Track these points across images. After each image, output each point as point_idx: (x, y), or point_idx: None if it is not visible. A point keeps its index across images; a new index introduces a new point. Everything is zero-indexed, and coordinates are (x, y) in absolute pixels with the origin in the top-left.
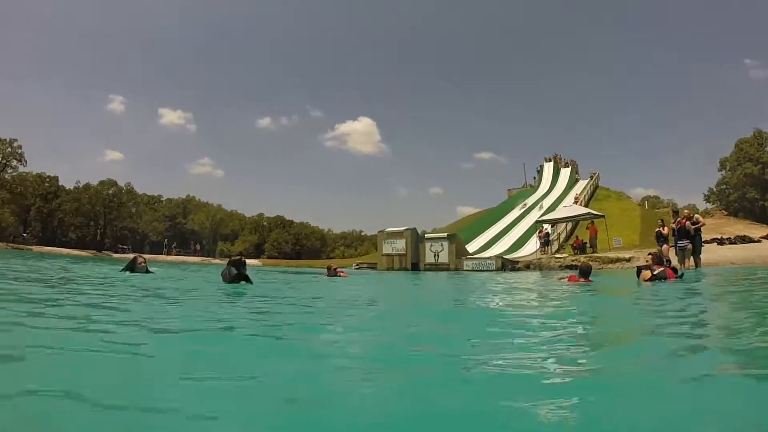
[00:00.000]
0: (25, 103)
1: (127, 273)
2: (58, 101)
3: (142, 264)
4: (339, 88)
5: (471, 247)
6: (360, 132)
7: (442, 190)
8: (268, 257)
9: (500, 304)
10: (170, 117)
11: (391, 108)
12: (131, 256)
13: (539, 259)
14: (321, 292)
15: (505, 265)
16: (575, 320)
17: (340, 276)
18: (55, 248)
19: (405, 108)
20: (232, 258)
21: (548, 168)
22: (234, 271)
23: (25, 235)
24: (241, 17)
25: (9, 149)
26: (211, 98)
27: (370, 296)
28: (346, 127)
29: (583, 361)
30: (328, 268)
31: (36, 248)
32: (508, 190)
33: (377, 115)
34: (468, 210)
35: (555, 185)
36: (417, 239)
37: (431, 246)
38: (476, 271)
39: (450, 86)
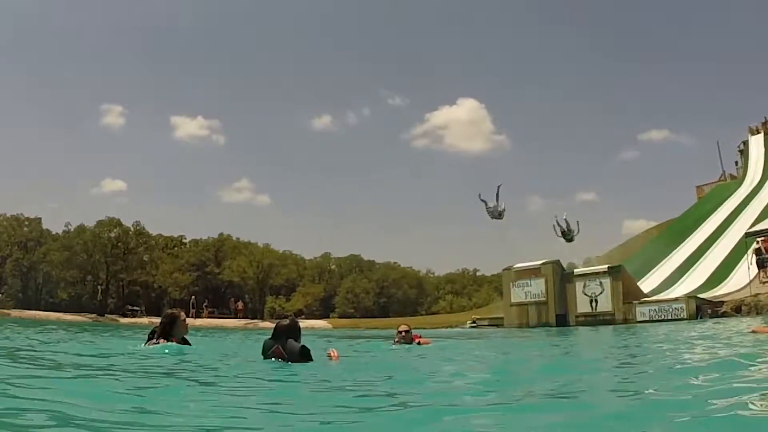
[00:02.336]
0: None
1: (144, 346)
2: (32, 120)
3: (186, 322)
4: (427, 59)
5: (646, 284)
6: (462, 121)
7: (595, 195)
8: (341, 316)
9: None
10: (188, 127)
11: (507, 82)
12: (145, 320)
13: (756, 296)
14: (386, 377)
15: (702, 309)
16: None
17: (419, 344)
18: (41, 312)
19: (528, 80)
20: (276, 325)
21: (757, 144)
22: (269, 344)
23: None
24: None
25: None
26: (242, 96)
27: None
28: (442, 115)
29: None
30: (398, 332)
31: (14, 312)
32: (698, 187)
33: (486, 93)
34: (638, 225)
35: None
36: (563, 277)
37: (585, 286)
38: (657, 321)
39: (597, 39)
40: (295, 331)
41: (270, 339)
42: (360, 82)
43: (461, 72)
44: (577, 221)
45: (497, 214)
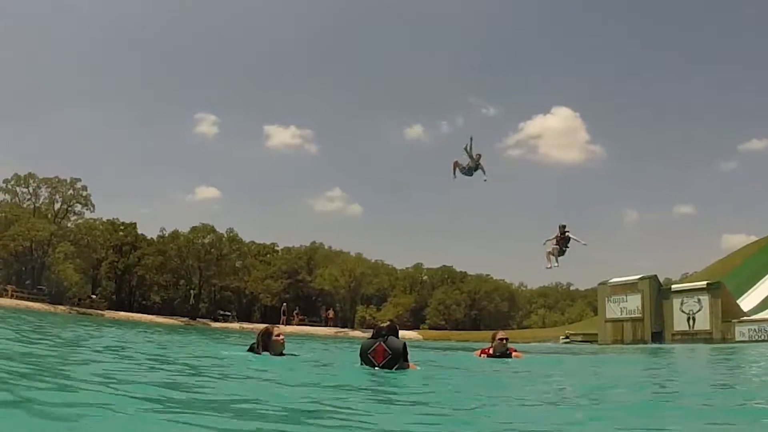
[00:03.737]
0: (87, 135)
1: (252, 356)
2: (128, 129)
3: (280, 339)
4: (520, 68)
5: (747, 302)
6: (556, 131)
7: (694, 208)
8: (431, 327)
9: None
10: (281, 136)
11: (600, 91)
12: (236, 325)
13: None
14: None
15: None
16: None
17: (512, 356)
18: (134, 314)
19: (624, 89)
20: (377, 327)
21: None
22: (369, 343)
23: (93, 296)
24: None
25: (71, 191)
26: (335, 105)
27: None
28: (535, 125)
29: None
30: (497, 339)
31: (108, 313)
32: None
33: (580, 102)
34: (738, 239)
35: None
36: (659, 293)
37: (682, 303)
38: (756, 341)
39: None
40: (395, 332)
41: (369, 339)
42: (453, 91)
43: (555, 79)
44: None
45: (467, 171)
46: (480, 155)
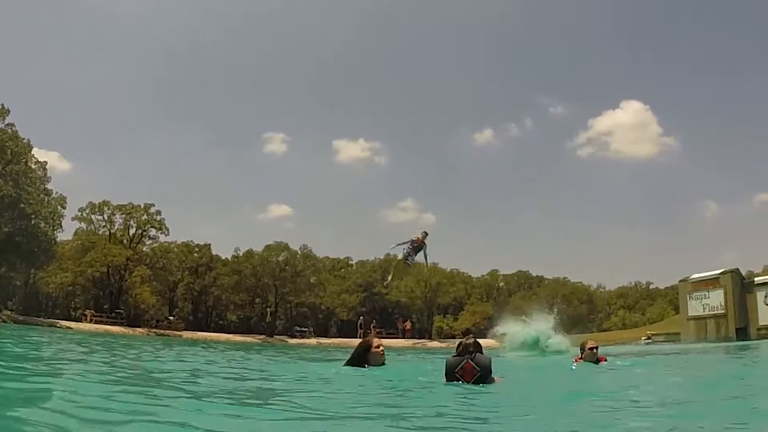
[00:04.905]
0: (158, 160)
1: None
2: (198, 152)
3: (380, 351)
4: (585, 64)
5: None
6: (627, 126)
7: None
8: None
9: None
10: (350, 150)
11: (672, 81)
12: (313, 341)
13: None
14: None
15: None
16: None
17: (600, 361)
18: (211, 333)
19: (694, 79)
20: (461, 345)
21: None
22: (455, 362)
23: (171, 318)
24: None
25: (145, 216)
26: (401, 115)
27: None
28: (606, 121)
29: None
30: (586, 349)
31: (186, 334)
32: None
33: (651, 95)
34: None
35: None
36: (743, 287)
37: (767, 296)
38: None
39: None
40: (480, 347)
41: (455, 356)
42: (520, 92)
43: (622, 73)
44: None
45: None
46: (426, 233)
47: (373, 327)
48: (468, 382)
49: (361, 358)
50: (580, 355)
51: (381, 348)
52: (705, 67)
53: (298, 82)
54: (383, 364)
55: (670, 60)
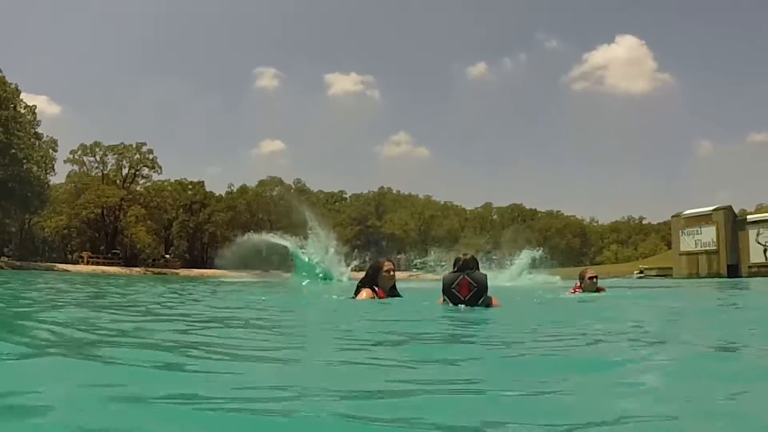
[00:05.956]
0: (148, 100)
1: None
2: (190, 91)
3: (391, 275)
4: None
5: None
6: (622, 60)
7: None
8: (502, 267)
9: None
10: (342, 84)
11: (668, 15)
12: None
13: None
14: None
15: None
16: None
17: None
18: (207, 270)
19: (690, 14)
20: (459, 260)
21: None
22: (452, 277)
23: (167, 256)
24: None
25: (137, 155)
26: (394, 48)
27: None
28: (600, 55)
29: None
30: (586, 278)
31: (183, 272)
32: None
33: (646, 29)
34: None
35: None
36: (735, 224)
37: (759, 234)
38: None
39: None
40: (477, 264)
41: (453, 272)
42: (514, 26)
43: (618, 7)
44: None
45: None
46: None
47: (369, 259)
48: (465, 297)
49: (371, 279)
50: (579, 284)
51: (392, 272)
52: (703, 4)
53: (288, 16)
54: (394, 287)
55: None
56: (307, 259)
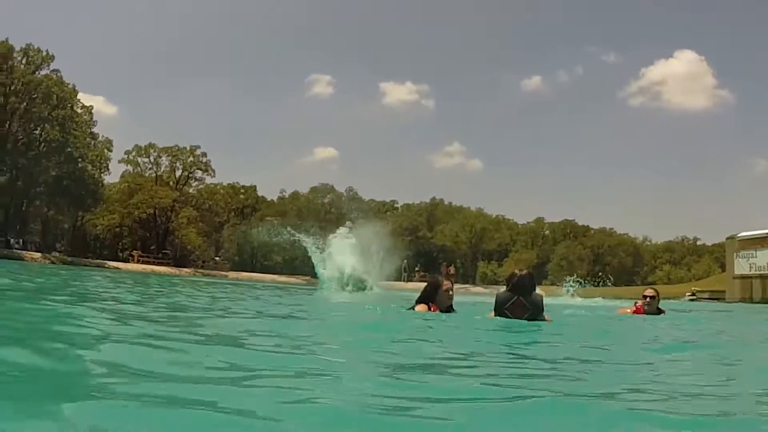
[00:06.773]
0: (203, 104)
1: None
2: (244, 96)
3: (449, 294)
4: (639, 10)
5: None
6: (680, 76)
7: None
8: (553, 284)
9: None
10: (397, 93)
11: (729, 32)
12: None
13: None
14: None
15: None
16: None
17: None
18: (256, 273)
19: (753, 29)
20: (514, 276)
21: None
22: (506, 297)
23: (217, 258)
24: None
25: (191, 158)
26: (450, 59)
27: None
28: (658, 71)
29: None
30: (644, 297)
31: (231, 274)
32: None
33: (706, 45)
34: None
35: None
36: None
37: None
38: None
39: None
40: (534, 283)
41: (506, 292)
42: (571, 39)
43: (677, 21)
44: None
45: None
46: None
47: (417, 271)
48: (519, 318)
49: (429, 297)
50: (639, 304)
51: (450, 291)
52: (765, 20)
53: (345, 24)
54: (451, 306)
55: (728, 9)
56: (324, 270)
